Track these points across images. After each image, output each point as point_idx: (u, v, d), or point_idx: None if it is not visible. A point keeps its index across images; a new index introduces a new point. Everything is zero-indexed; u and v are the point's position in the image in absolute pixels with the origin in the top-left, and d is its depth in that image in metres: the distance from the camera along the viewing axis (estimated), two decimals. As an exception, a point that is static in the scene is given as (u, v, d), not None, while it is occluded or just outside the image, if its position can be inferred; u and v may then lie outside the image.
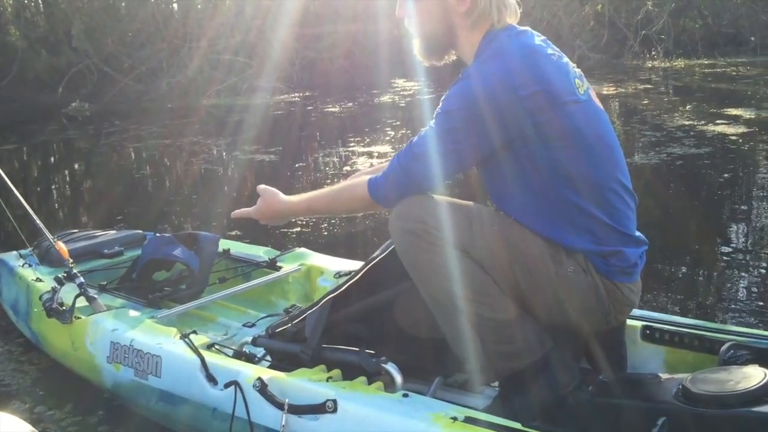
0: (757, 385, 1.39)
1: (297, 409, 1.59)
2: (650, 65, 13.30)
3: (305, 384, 1.65)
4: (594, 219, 1.63)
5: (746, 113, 7.25)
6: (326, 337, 1.80)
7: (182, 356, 1.91)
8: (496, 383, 1.77)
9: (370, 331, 1.87)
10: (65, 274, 2.36)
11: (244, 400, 1.68)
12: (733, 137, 6.07)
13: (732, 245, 3.49)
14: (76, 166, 7.64)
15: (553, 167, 1.60)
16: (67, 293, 2.29)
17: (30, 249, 2.83)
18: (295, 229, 4.13)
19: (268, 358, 1.96)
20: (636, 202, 1.73)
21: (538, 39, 1.68)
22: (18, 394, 2.35)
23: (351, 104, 10.39)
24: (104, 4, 13.37)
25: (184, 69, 12.06)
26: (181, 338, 1.97)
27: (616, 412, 1.53)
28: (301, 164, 6.25)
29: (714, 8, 15.41)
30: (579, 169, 1.61)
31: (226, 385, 1.74)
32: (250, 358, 1.94)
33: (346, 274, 2.34)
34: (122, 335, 2.07)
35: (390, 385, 1.66)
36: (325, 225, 4.21)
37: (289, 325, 1.87)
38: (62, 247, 2.56)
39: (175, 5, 13.59)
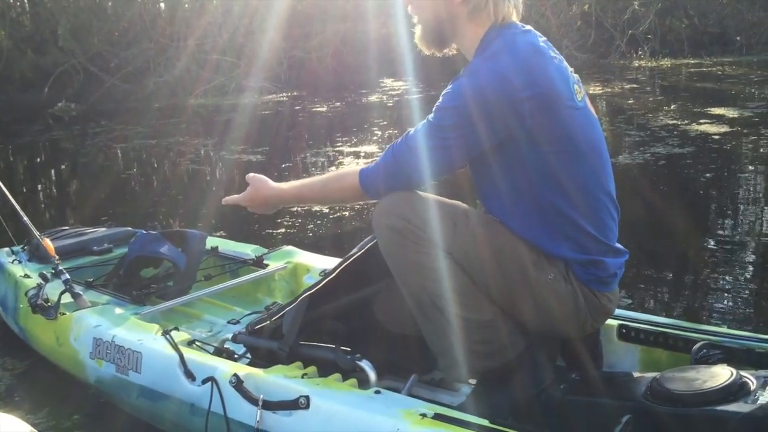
0: (721, 385, 1.43)
1: (271, 405, 1.61)
2: (637, 65, 13.35)
3: (280, 380, 1.66)
4: (578, 227, 1.64)
5: (730, 112, 7.31)
6: (304, 334, 1.82)
7: (162, 352, 1.92)
8: (473, 380, 1.79)
9: (348, 329, 1.89)
10: (52, 271, 2.37)
11: (221, 396, 1.69)
12: (716, 137, 6.12)
13: (711, 245, 3.52)
14: (63, 166, 7.61)
15: (543, 171, 1.60)
16: (53, 289, 2.31)
17: (21, 246, 2.85)
18: (282, 228, 4.15)
19: (249, 355, 1.97)
20: (619, 213, 1.74)
21: (541, 40, 1.67)
22: (7, 391, 2.35)
23: (339, 104, 10.38)
24: (90, 3, 13.29)
25: (171, 69, 12.00)
26: (162, 335, 1.98)
27: (585, 410, 1.56)
28: (288, 164, 6.25)
29: (700, 8, 15.49)
30: (569, 176, 1.61)
31: (203, 381, 1.75)
32: (231, 355, 1.95)
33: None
34: (105, 331, 2.08)
35: (364, 383, 1.67)
36: (313, 224, 4.22)
37: (268, 322, 1.88)
38: (48, 243, 2.57)
39: (162, 4, 13.50)
